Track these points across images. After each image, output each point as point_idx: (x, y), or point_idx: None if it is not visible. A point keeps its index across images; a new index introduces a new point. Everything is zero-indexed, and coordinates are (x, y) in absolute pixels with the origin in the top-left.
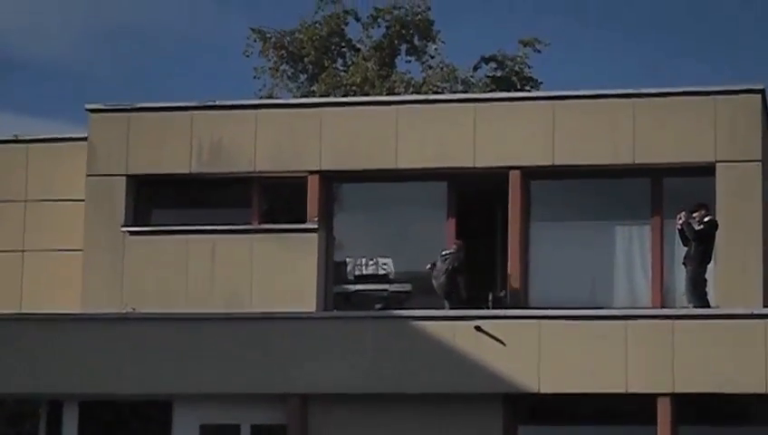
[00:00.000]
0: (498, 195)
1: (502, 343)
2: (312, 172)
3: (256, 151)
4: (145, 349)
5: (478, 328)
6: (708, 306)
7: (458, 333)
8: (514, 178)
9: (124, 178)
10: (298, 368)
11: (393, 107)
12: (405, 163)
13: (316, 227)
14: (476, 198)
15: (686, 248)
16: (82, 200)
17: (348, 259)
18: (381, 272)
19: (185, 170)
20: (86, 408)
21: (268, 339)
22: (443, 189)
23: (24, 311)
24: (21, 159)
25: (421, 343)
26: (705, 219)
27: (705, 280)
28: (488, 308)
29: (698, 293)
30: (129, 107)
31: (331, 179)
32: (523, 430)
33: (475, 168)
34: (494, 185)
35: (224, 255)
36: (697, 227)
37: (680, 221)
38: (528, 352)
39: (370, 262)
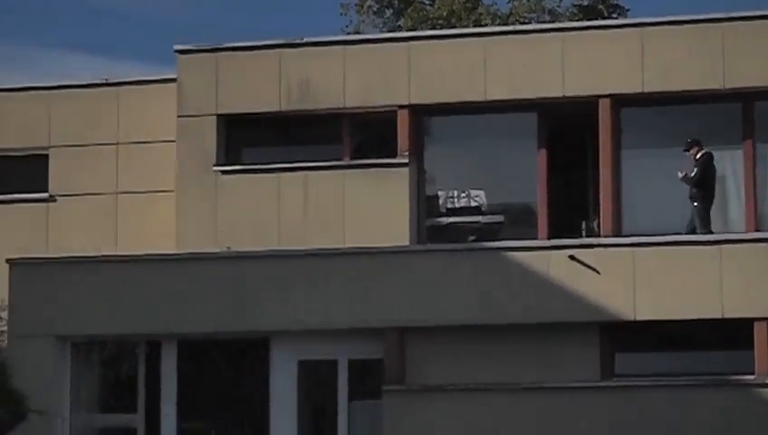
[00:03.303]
0: (589, 123)
1: (596, 271)
2: (401, 106)
3: (345, 87)
4: (241, 287)
5: (572, 257)
6: None
7: (553, 262)
8: (604, 106)
9: (214, 117)
10: (393, 301)
11: (481, 39)
12: (494, 95)
13: (407, 161)
14: (567, 128)
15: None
16: (173, 141)
17: (440, 192)
18: (474, 204)
19: (274, 108)
20: (184, 347)
21: (363, 274)
22: (533, 120)
23: (120, 252)
24: (112, 102)
25: (516, 273)
26: (698, 156)
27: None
28: (582, 237)
29: (708, 227)
30: (217, 47)
31: (421, 113)
32: (619, 357)
33: (564, 97)
34: (585, 114)
35: (316, 191)
36: (692, 174)
37: (680, 177)
38: (623, 279)
39: (462, 194)
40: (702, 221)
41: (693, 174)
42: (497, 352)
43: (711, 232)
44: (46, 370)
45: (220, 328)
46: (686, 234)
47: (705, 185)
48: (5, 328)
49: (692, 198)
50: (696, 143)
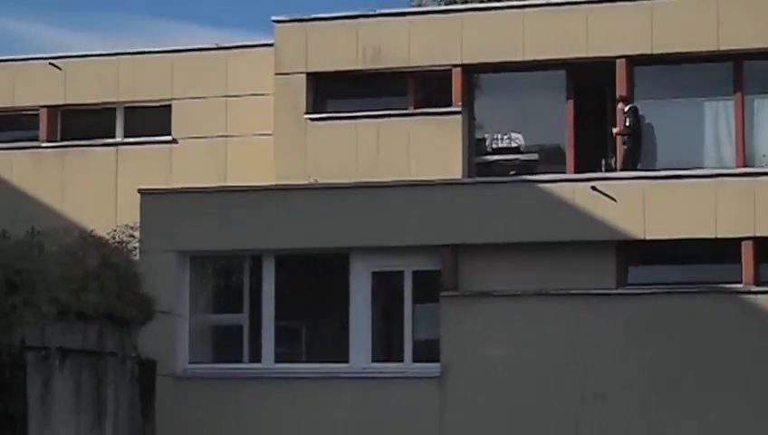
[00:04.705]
0: (608, 79)
1: (613, 199)
2: (455, 66)
3: (410, 50)
4: (327, 212)
5: (594, 188)
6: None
7: (578, 192)
8: (620, 65)
9: (305, 75)
10: (449, 224)
11: (520, 10)
12: (531, 55)
13: (460, 110)
14: (590, 83)
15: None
16: (272, 94)
17: (486, 135)
18: (513, 145)
19: (353, 67)
20: (281, 260)
21: (425, 201)
22: (562, 76)
23: (229, 184)
24: (222, 63)
25: (547, 201)
26: (627, 109)
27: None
28: (602, 171)
29: (631, 166)
30: (306, 17)
31: (472, 71)
32: (632, 270)
33: (588, 57)
34: (604, 71)
35: (386, 135)
36: (627, 125)
37: (615, 132)
38: (636, 206)
39: (504, 136)
40: (631, 161)
41: (628, 124)
42: (533, 265)
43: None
44: (169, 279)
45: (309, 245)
46: (620, 169)
47: (636, 132)
48: (137, 244)
49: (624, 143)
50: (624, 98)
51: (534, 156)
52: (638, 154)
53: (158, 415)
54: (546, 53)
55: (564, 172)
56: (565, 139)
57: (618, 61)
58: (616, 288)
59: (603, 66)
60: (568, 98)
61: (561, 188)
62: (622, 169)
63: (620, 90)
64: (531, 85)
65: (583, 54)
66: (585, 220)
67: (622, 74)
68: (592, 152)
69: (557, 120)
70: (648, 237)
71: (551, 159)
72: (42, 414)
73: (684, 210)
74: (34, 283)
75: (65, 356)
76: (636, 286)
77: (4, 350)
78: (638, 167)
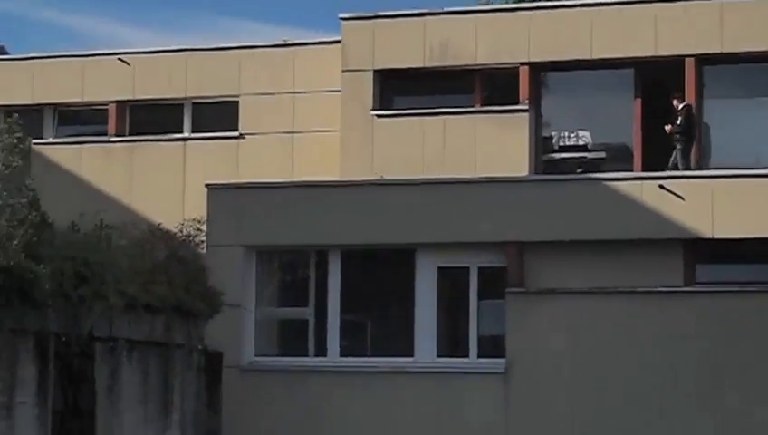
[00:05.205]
0: (676, 78)
1: (681, 198)
2: (523, 64)
3: (477, 48)
4: (393, 208)
5: (662, 186)
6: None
7: (645, 190)
8: (690, 63)
9: (371, 72)
10: (515, 220)
11: (589, 8)
12: (599, 54)
13: (527, 108)
14: (658, 81)
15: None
16: (339, 91)
17: (553, 133)
18: (581, 143)
19: (420, 65)
20: (347, 256)
21: (491, 198)
22: (630, 75)
23: (295, 179)
24: (289, 60)
25: (615, 199)
26: (680, 107)
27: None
28: (670, 170)
29: (688, 163)
30: (373, 15)
31: (539, 69)
32: (700, 268)
33: (657, 56)
34: (673, 70)
35: (453, 132)
36: (678, 123)
37: (668, 130)
38: (704, 204)
39: (572, 135)
40: (684, 160)
41: (679, 123)
42: (599, 263)
43: (690, 168)
44: (236, 273)
45: (375, 240)
46: (669, 168)
47: (688, 131)
48: (204, 238)
49: (676, 142)
50: (679, 95)
51: (602, 154)
52: (690, 153)
53: (224, 406)
54: (614, 52)
55: (632, 170)
56: (632, 137)
57: (687, 59)
58: (684, 286)
59: (672, 65)
60: (636, 96)
61: (629, 186)
62: (684, 169)
63: (689, 89)
64: (598, 83)
65: (652, 53)
66: (653, 218)
67: (691, 73)
68: (660, 151)
69: (625, 119)
70: (716, 236)
71: (618, 157)
72: (109, 404)
73: (752, 209)
74: (103, 275)
75: (133, 347)
76: (704, 285)
77: (73, 341)
78: (691, 166)
